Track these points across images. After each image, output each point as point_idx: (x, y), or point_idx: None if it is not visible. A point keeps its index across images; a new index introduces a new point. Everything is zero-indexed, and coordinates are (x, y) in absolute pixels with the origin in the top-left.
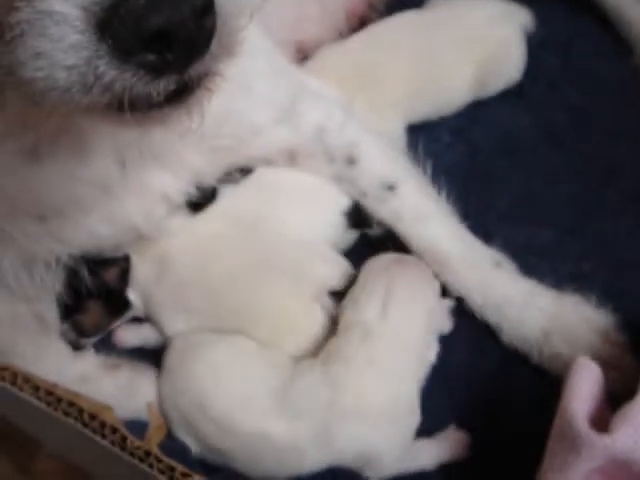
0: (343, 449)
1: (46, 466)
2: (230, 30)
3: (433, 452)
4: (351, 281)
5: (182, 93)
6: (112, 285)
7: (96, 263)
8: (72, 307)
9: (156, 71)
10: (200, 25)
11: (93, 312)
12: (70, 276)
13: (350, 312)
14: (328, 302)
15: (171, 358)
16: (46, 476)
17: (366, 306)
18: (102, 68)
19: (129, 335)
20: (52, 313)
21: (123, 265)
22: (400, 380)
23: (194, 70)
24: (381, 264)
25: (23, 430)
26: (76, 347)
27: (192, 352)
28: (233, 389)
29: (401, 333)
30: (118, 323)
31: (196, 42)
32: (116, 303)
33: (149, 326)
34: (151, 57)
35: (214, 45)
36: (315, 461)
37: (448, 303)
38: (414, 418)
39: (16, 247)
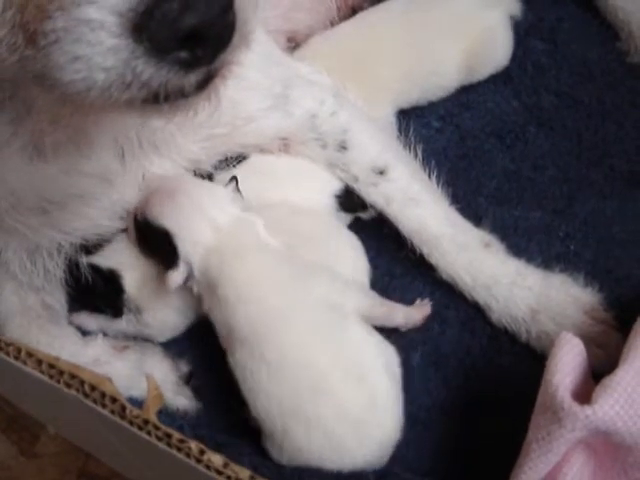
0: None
1: (48, 449)
2: (244, 21)
3: (405, 313)
4: None
5: (206, 81)
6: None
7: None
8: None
9: (188, 66)
10: (225, 21)
11: None
12: (71, 265)
13: None
14: None
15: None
16: (48, 458)
17: None
18: (140, 67)
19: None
20: (59, 301)
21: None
22: None
23: (219, 61)
24: None
25: (27, 414)
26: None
27: None
28: None
29: None
30: None
31: (223, 37)
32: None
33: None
34: (184, 54)
35: (235, 37)
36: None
37: None
38: None
39: (19, 238)
